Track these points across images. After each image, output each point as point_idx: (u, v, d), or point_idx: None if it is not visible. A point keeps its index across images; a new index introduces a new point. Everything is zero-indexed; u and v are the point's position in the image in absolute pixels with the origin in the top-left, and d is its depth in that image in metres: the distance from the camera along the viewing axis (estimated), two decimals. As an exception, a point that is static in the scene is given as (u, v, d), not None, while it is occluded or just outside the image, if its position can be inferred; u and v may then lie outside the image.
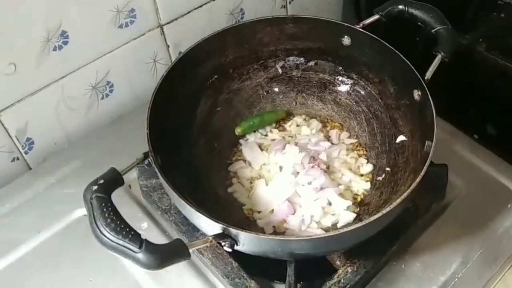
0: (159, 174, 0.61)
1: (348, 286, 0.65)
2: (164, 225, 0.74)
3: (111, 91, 0.88)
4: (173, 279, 0.68)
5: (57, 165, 0.82)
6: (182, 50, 0.92)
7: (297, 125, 0.83)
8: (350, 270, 0.66)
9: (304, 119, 0.84)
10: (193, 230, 0.70)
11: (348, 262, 0.67)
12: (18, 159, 0.83)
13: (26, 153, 0.83)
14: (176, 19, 0.89)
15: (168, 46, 0.91)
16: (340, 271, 0.66)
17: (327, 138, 0.82)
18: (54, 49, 0.77)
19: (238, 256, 0.65)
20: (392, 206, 0.57)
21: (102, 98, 0.87)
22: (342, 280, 0.65)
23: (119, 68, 0.87)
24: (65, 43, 0.77)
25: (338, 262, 0.68)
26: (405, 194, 0.58)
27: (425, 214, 0.72)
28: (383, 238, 0.66)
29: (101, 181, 0.54)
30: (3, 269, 0.71)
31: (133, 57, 0.87)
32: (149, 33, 0.87)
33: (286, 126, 0.84)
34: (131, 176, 0.76)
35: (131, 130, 0.85)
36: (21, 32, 0.72)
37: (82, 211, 0.75)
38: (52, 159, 0.84)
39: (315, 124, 0.83)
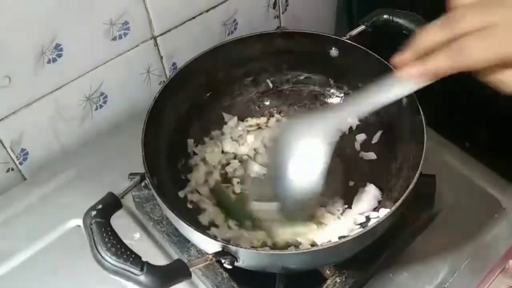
0: (157, 196, 0.62)
1: (337, 295, 0.66)
2: (156, 235, 0.75)
3: (105, 102, 0.89)
4: (165, 289, 0.69)
5: (51, 175, 0.83)
6: (175, 61, 0.94)
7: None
8: (338, 280, 0.67)
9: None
10: (184, 241, 0.71)
11: (337, 272, 0.68)
12: (12, 169, 0.84)
13: (20, 163, 0.84)
14: (169, 30, 0.90)
15: (161, 57, 0.92)
16: (329, 281, 0.67)
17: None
18: (49, 62, 0.78)
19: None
20: (380, 220, 0.58)
21: (96, 109, 0.89)
22: (331, 290, 0.67)
23: (113, 79, 0.88)
24: (59, 55, 0.78)
25: (328, 272, 0.69)
26: (393, 208, 0.59)
27: (413, 224, 0.73)
28: (372, 248, 0.66)
29: (100, 206, 0.55)
30: (-2, 278, 0.72)
31: (126, 69, 0.88)
32: (142, 45, 0.88)
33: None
34: (124, 186, 0.78)
35: (125, 140, 0.85)
36: (16, 45, 0.73)
37: (76, 222, 0.77)
38: (47, 169, 0.85)
39: None
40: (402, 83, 0.56)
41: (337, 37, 0.78)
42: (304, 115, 0.69)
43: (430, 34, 0.51)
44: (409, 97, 0.68)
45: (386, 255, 0.70)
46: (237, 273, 0.68)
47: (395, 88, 0.57)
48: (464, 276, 0.70)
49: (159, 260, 0.71)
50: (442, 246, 0.72)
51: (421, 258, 0.71)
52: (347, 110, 0.63)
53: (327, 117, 0.63)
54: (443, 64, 0.50)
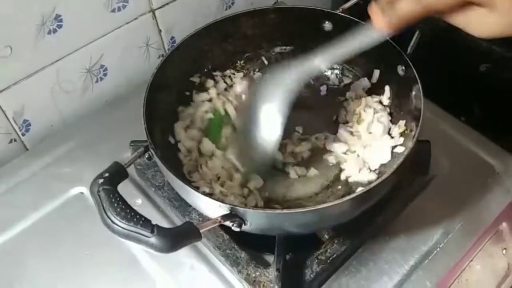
0: (161, 166, 0.63)
1: (334, 256, 0.68)
2: (158, 201, 0.76)
3: (105, 75, 0.90)
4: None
5: (53, 146, 0.84)
6: (174, 35, 0.95)
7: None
8: (336, 241, 0.69)
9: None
10: (186, 205, 0.73)
11: (334, 233, 0.70)
12: (15, 140, 0.85)
13: (23, 134, 0.85)
14: (167, 3, 0.91)
15: (160, 31, 0.93)
16: (326, 242, 0.69)
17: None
18: (49, 33, 0.79)
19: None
20: (374, 184, 0.59)
21: (97, 81, 0.90)
22: (328, 251, 0.68)
23: (113, 52, 0.89)
24: (59, 26, 0.79)
25: (326, 236, 0.70)
26: (387, 174, 0.60)
27: (408, 189, 0.75)
28: (368, 211, 0.68)
29: (106, 175, 0.56)
30: (2, 243, 0.73)
31: (126, 41, 0.89)
32: (141, 18, 0.89)
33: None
34: (126, 155, 0.79)
35: (125, 112, 0.87)
36: (17, 15, 0.74)
37: (78, 189, 0.78)
38: (48, 140, 0.86)
39: None
40: (374, 31, 0.59)
41: (329, 11, 0.78)
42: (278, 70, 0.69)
43: None
44: (407, 67, 0.71)
45: (382, 219, 0.72)
46: (237, 235, 0.69)
47: (367, 36, 0.60)
48: (457, 237, 0.72)
49: (162, 224, 0.72)
50: (437, 209, 0.74)
51: (416, 221, 0.73)
52: (320, 59, 0.66)
53: (301, 66, 0.67)
54: (409, 8, 0.53)
